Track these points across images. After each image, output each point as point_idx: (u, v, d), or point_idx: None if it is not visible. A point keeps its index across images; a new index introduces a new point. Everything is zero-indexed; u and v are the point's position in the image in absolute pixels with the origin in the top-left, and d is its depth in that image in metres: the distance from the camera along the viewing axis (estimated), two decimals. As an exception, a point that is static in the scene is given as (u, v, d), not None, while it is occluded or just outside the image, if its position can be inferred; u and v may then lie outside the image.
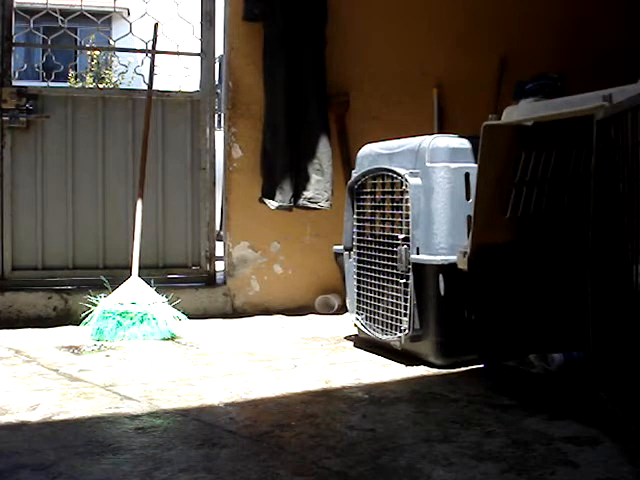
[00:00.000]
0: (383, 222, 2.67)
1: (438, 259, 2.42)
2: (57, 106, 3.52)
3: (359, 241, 2.80)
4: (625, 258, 1.65)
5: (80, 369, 2.48)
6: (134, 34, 3.85)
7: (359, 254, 2.79)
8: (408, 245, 2.48)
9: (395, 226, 2.58)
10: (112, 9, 5.50)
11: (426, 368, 2.48)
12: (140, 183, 3.38)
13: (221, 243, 3.85)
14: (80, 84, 13.68)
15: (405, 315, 2.49)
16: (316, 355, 2.74)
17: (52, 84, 3.82)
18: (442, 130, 3.80)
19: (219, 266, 3.81)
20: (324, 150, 3.58)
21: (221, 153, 3.77)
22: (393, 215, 2.59)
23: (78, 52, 14.15)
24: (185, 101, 3.70)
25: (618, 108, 1.65)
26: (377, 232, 2.70)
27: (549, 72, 3.90)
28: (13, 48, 3.50)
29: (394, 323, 2.56)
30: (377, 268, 2.67)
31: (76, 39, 5.97)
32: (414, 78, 3.90)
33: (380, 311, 2.66)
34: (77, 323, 3.13)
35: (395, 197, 2.58)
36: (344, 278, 2.94)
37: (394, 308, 2.56)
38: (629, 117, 1.58)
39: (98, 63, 15.33)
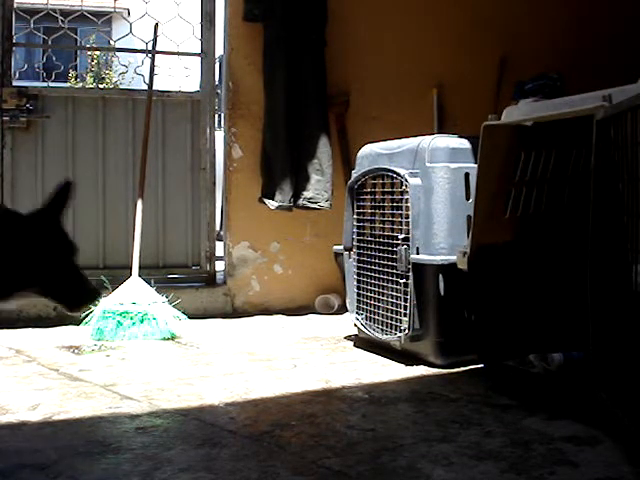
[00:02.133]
0: (383, 222, 2.67)
1: (438, 259, 2.42)
2: (57, 106, 3.52)
3: (359, 241, 2.80)
4: (625, 258, 1.65)
5: (80, 369, 2.48)
6: (134, 34, 3.85)
7: (359, 254, 2.79)
8: (408, 245, 2.48)
9: (395, 226, 2.58)
10: (112, 9, 5.51)
11: (426, 368, 2.48)
12: (140, 183, 3.38)
13: (221, 243, 3.85)
14: (80, 84, 13.69)
15: (405, 315, 2.49)
16: (316, 355, 2.74)
17: (52, 84, 3.82)
18: (442, 130, 3.80)
19: (219, 266, 3.81)
20: (324, 150, 3.58)
21: (221, 153, 3.77)
22: (393, 215, 2.59)
23: (78, 52, 14.16)
24: (185, 101, 3.71)
25: (618, 108, 1.66)
26: (377, 232, 2.70)
27: (549, 72, 3.90)
28: (13, 48, 3.51)
29: (394, 323, 2.56)
30: (377, 268, 2.67)
31: (76, 39, 5.97)
32: (414, 78, 3.90)
33: (380, 311, 2.66)
34: (77, 323, 3.13)
35: (395, 197, 2.58)
36: (344, 278, 2.94)
37: (394, 308, 2.56)
38: (629, 117, 1.58)
39: (98, 63, 15.34)
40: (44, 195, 3.65)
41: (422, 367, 2.49)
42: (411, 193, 2.47)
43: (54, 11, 3.82)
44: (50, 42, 3.87)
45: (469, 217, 2.38)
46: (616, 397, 1.72)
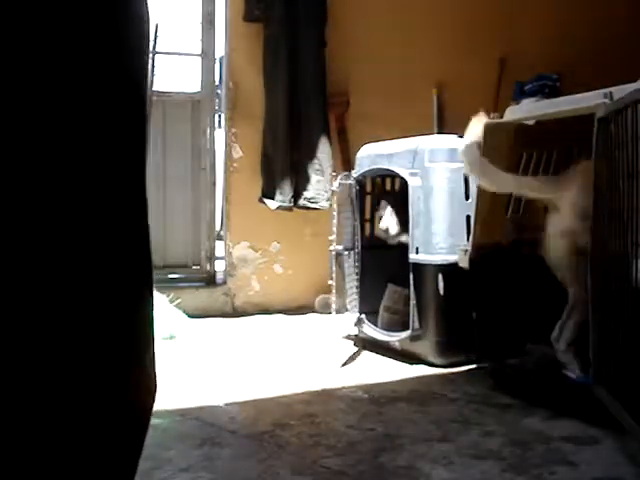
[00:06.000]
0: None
1: (437, 259, 2.42)
2: (57, 106, 3.52)
3: (359, 241, 2.80)
4: (625, 255, 1.64)
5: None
6: (134, 34, 3.85)
7: (359, 254, 2.79)
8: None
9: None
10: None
11: (426, 368, 2.47)
12: (140, 183, 3.38)
13: (221, 243, 3.85)
14: (80, 84, 13.69)
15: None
16: (316, 355, 2.74)
17: (52, 84, 3.81)
18: (442, 130, 3.80)
19: (219, 266, 3.81)
20: (324, 150, 3.58)
21: (221, 153, 3.77)
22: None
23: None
24: (185, 101, 3.71)
25: (618, 104, 1.65)
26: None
27: (548, 72, 3.90)
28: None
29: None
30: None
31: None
32: (414, 78, 3.90)
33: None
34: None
35: (395, 197, 2.58)
36: (344, 278, 2.94)
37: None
38: (629, 113, 1.57)
39: (98, 63, 15.35)
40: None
41: (422, 367, 2.48)
42: (411, 193, 2.47)
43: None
44: (50, 42, 3.86)
45: (469, 217, 2.38)
46: (616, 397, 1.71)
